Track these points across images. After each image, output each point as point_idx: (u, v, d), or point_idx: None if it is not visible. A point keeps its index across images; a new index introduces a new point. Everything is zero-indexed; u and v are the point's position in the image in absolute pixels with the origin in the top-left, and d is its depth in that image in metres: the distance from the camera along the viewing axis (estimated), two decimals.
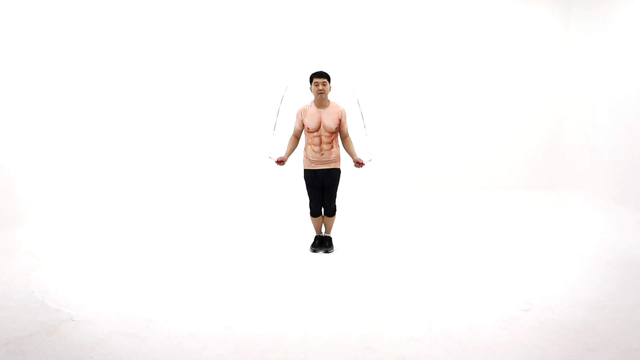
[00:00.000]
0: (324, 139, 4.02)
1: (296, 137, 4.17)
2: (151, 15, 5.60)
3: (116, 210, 5.22)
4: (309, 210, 4.26)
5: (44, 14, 4.28)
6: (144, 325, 2.77)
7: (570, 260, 4.02)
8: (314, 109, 4.01)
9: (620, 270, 3.75)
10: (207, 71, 5.77)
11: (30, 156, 4.15)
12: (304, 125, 4.04)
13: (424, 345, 2.57)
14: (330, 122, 3.98)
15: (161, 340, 2.61)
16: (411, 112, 5.89)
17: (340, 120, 4.03)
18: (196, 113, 5.85)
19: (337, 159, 4.14)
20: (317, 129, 3.99)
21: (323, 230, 4.39)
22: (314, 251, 4.22)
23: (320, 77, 3.95)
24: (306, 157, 4.12)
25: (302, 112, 4.03)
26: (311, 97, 4.10)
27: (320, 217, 4.27)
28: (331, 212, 4.23)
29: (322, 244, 4.27)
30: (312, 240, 4.42)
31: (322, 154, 4.04)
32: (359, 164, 4.11)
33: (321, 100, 3.99)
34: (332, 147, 4.06)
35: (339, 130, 4.08)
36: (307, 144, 4.10)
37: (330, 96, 4.12)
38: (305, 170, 4.16)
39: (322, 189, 4.17)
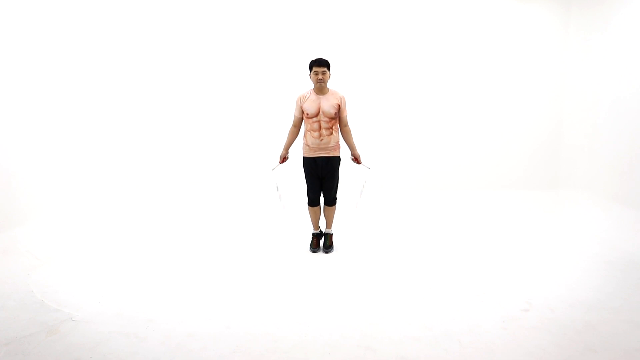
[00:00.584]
0: (323, 124, 4.02)
1: (296, 127, 4.16)
2: (151, 15, 5.60)
3: (116, 210, 5.22)
4: (307, 200, 4.25)
5: (44, 14, 4.28)
6: (143, 325, 2.77)
7: (570, 260, 4.02)
8: (313, 95, 4.03)
9: (620, 270, 3.75)
10: (206, 72, 5.77)
11: (30, 156, 4.15)
12: (303, 112, 4.04)
13: (424, 345, 2.57)
14: (329, 107, 3.99)
15: (161, 340, 2.61)
16: (411, 112, 5.89)
17: (339, 105, 4.04)
18: (195, 114, 5.85)
19: (337, 147, 4.14)
20: (317, 114, 4.00)
21: (322, 227, 4.38)
22: (314, 251, 4.22)
23: (319, 66, 3.96)
24: (306, 144, 4.12)
25: (301, 99, 4.05)
26: (311, 85, 4.11)
27: (318, 207, 4.26)
28: (331, 201, 4.22)
29: (323, 243, 4.27)
30: (310, 240, 4.40)
31: (322, 139, 4.04)
32: (356, 160, 4.14)
33: (321, 89, 4.01)
34: (331, 132, 4.06)
35: (339, 118, 4.09)
36: (306, 130, 4.10)
37: (330, 85, 4.13)
38: (304, 158, 4.16)
39: (321, 178, 4.17)
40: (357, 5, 5.69)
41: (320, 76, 3.95)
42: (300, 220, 5.06)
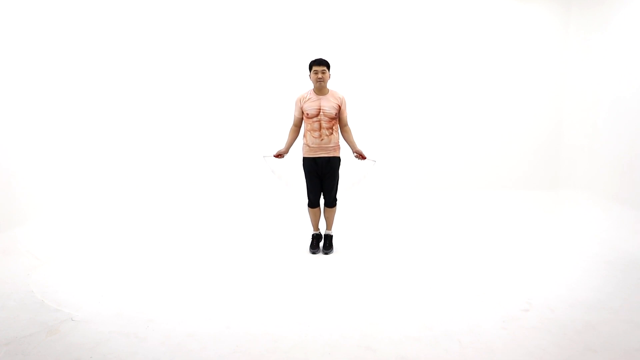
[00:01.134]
0: (324, 124, 4.02)
1: (296, 127, 4.17)
2: (151, 16, 5.60)
3: (116, 210, 5.22)
4: (307, 201, 4.25)
5: (44, 14, 4.28)
6: (143, 325, 2.77)
7: (570, 260, 4.02)
8: (313, 96, 4.02)
9: (620, 270, 3.75)
10: (205, 72, 5.77)
11: (30, 156, 4.15)
12: (303, 112, 4.04)
13: (424, 345, 2.56)
14: (329, 108, 3.99)
15: (161, 340, 2.61)
16: (411, 112, 5.89)
17: (339, 106, 4.04)
18: (195, 114, 5.85)
19: (337, 147, 4.14)
20: (317, 115, 4.00)
21: (321, 228, 4.38)
22: (314, 252, 4.21)
23: (319, 65, 3.96)
24: (306, 144, 4.12)
25: (301, 99, 4.05)
26: (310, 85, 4.11)
27: (318, 209, 4.26)
28: (332, 202, 4.22)
29: (323, 244, 4.26)
30: (309, 241, 4.40)
31: (322, 139, 4.04)
32: (360, 156, 4.12)
33: (320, 89, 4.00)
34: (332, 132, 4.06)
35: (339, 118, 4.09)
36: (306, 130, 4.10)
37: (330, 85, 4.13)
38: (304, 158, 4.15)
39: (321, 178, 4.16)
40: (357, 5, 5.69)
41: (320, 75, 3.95)
42: (300, 221, 5.06)
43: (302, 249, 4.32)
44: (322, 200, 4.29)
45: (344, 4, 5.69)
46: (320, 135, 4.03)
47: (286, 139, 4.21)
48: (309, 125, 4.05)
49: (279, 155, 4.17)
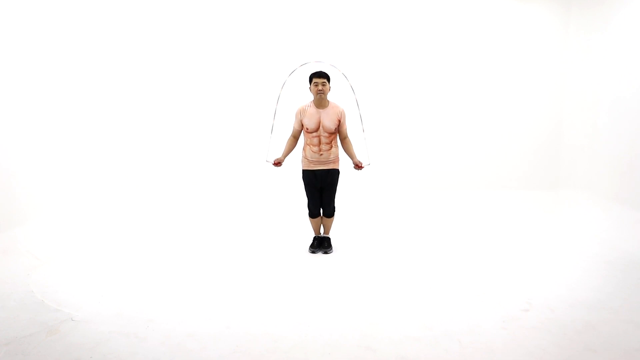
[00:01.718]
0: (323, 140, 4.01)
1: (294, 138, 4.16)
2: (151, 17, 5.60)
3: (116, 210, 5.22)
4: (307, 211, 4.26)
5: (44, 14, 4.28)
6: (143, 325, 2.77)
7: (570, 260, 4.02)
8: (313, 109, 4.00)
9: (620, 270, 3.75)
10: (204, 73, 5.77)
11: (30, 156, 4.15)
12: (302, 125, 4.03)
13: (424, 345, 2.56)
14: (329, 123, 3.97)
15: (161, 340, 2.61)
16: (411, 112, 5.89)
17: (339, 121, 4.03)
18: (195, 114, 5.85)
19: (336, 160, 4.13)
20: (316, 130, 3.99)
21: (322, 230, 4.39)
22: (313, 252, 4.22)
23: (319, 77, 3.94)
24: (305, 157, 4.11)
25: (301, 113, 4.02)
26: (310, 97, 4.10)
27: (319, 218, 4.26)
28: (330, 212, 4.23)
29: (321, 244, 4.27)
30: (311, 241, 4.41)
31: (321, 154, 4.03)
32: (358, 166, 4.12)
33: (320, 101, 3.99)
34: (331, 147, 4.05)
35: (338, 131, 4.08)
36: (305, 144, 4.09)
37: (330, 97, 4.12)
38: (303, 170, 4.15)
39: (320, 190, 4.16)
40: (357, 6, 5.69)
41: (320, 87, 3.93)
42: (299, 221, 5.06)
43: (301, 249, 4.33)
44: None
45: (344, 6, 5.68)
46: (320, 150, 4.02)
47: (284, 146, 4.18)
48: (308, 139, 4.04)
49: (277, 164, 4.13)
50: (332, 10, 5.69)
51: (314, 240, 4.30)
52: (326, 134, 4.00)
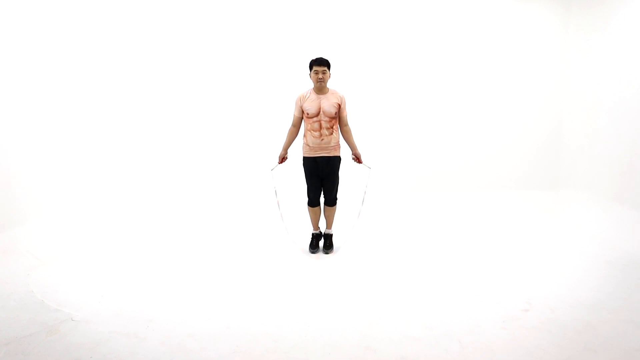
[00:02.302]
0: (324, 124, 4.01)
1: (295, 127, 4.15)
2: (151, 16, 5.60)
3: (116, 210, 5.22)
4: (307, 200, 4.24)
5: (44, 14, 4.28)
6: (144, 325, 2.77)
7: (570, 260, 4.02)
8: (313, 95, 4.02)
9: (620, 270, 3.75)
10: (205, 72, 5.77)
11: (30, 156, 4.15)
12: (303, 112, 4.04)
13: (424, 345, 2.57)
14: (329, 107, 3.98)
15: (161, 340, 2.61)
16: (411, 112, 5.89)
17: (339, 105, 4.03)
18: (195, 114, 5.85)
19: (337, 147, 4.13)
20: (317, 114, 3.99)
21: (322, 227, 4.38)
22: (313, 252, 4.21)
23: (320, 65, 3.95)
24: (306, 143, 4.11)
25: (301, 99, 4.04)
26: (310, 84, 4.11)
27: (318, 208, 4.25)
28: (332, 201, 4.21)
29: (321, 243, 4.26)
30: (309, 240, 4.40)
31: (322, 139, 4.03)
32: (357, 159, 4.13)
33: (320, 88, 4.00)
34: (332, 132, 4.06)
35: (339, 117, 4.08)
36: (306, 130, 4.09)
37: (330, 84, 4.13)
38: (304, 157, 4.14)
39: (321, 177, 4.16)
40: (357, 5, 5.69)
41: (320, 75, 3.95)
42: (299, 221, 5.06)
43: (302, 249, 4.32)
44: (321, 199, 4.29)
45: (344, 4, 5.68)
46: (321, 135, 4.02)
47: (284, 140, 4.19)
48: (309, 124, 4.04)
49: (283, 160, 4.17)
50: (332, 10, 5.69)
51: (312, 239, 4.29)
52: (327, 119, 4.00)
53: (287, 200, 5.27)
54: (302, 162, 4.18)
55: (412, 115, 5.89)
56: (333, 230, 4.44)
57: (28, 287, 3.31)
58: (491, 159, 5.97)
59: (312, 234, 4.32)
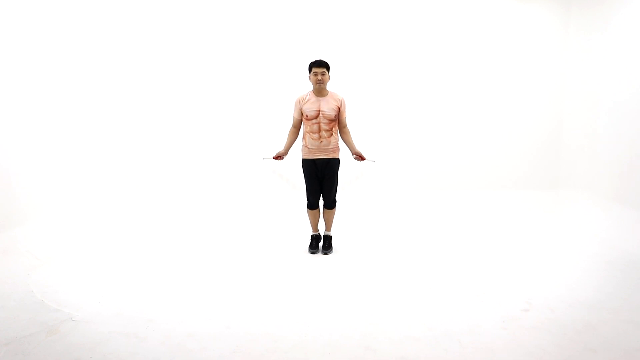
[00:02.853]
0: (323, 126, 4.01)
1: (295, 128, 4.16)
2: (150, 16, 5.60)
3: (116, 210, 5.22)
4: (306, 203, 4.24)
5: (44, 14, 4.28)
6: (144, 325, 2.77)
7: (570, 260, 4.02)
8: (312, 97, 4.02)
9: (620, 270, 3.75)
10: (205, 72, 5.77)
11: (30, 156, 4.15)
12: (302, 114, 4.04)
13: (424, 345, 2.57)
14: (329, 110, 3.98)
15: (161, 340, 2.61)
16: (411, 112, 5.89)
17: (339, 108, 4.03)
18: (195, 114, 5.85)
19: (336, 149, 4.13)
20: (316, 117, 3.99)
21: (321, 229, 4.38)
22: (313, 252, 4.21)
23: (319, 67, 3.95)
24: (305, 146, 4.11)
25: (301, 101, 4.04)
26: (310, 86, 4.10)
27: (317, 210, 4.25)
28: (331, 203, 4.21)
29: (321, 245, 4.26)
30: (309, 241, 4.40)
31: (321, 142, 4.03)
32: (359, 157, 4.12)
33: (320, 90, 4.00)
34: (331, 134, 4.06)
35: (338, 120, 4.08)
36: (305, 132, 4.09)
37: (330, 87, 4.13)
38: (303, 160, 4.15)
39: (321, 180, 4.16)
40: (357, 5, 5.69)
41: (319, 77, 3.94)
42: (299, 221, 5.06)
43: (302, 249, 4.33)
44: (321, 202, 4.29)
45: (343, 4, 5.68)
46: (320, 137, 4.02)
47: (285, 140, 4.20)
48: (308, 127, 4.04)
49: (279, 157, 4.17)
50: (332, 9, 5.69)
51: (312, 240, 4.29)
52: (326, 121, 4.00)
53: (287, 204, 5.28)
54: (301, 164, 4.18)
55: (412, 115, 5.89)
56: (332, 232, 4.44)
57: (28, 287, 3.31)
58: (491, 159, 5.97)
59: (312, 236, 4.33)
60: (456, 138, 5.93)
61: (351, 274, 3.68)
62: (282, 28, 5.71)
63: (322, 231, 4.45)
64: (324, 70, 3.95)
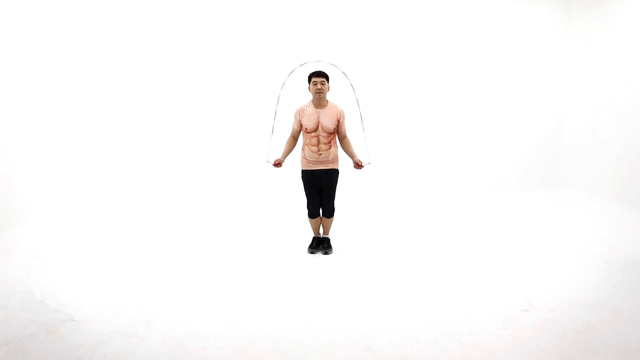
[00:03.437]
0: (322, 139, 4.00)
1: (294, 138, 4.15)
2: (151, 17, 5.60)
3: (116, 210, 5.22)
4: (307, 211, 4.25)
5: (44, 14, 4.28)
6: (144, 325, 2.77)
7: (570, 260, 4.02)
8: (312, 109, 3.99)
9: (620, 270, 3.75)
10: (204, 73, 5.77)
11: (30, 156, 4.15)
12: (301, 125, 4.03)
13: (424, 345, 2.56)
14: (328, 123, 3.97)
15: (161, 340, 2.61)
16: (411, 112, 5.89)
17: (338, 120, 4.02)
18: (195, 115, 5.85)
19: (335, 160, 4.12)
20: (315, 130, 3.98)
21: (321, 231, 4.38)
22: (312, 252, 4.21)
23: (318, 77, 3.93)
24: (304, 157, 4.10)
25: (300, 113, 4.02)
26: (309, 97, 4.09)
27: (319, 218, 4.25)
28: (330, 213, 4.22)
29: (321, 245, 4.27)
30: (309, 241, 4.40)
31: (320, 154, 4.03)
32: (358, 166, 4.10)
33: (319, 100, 3.98)
34: (330, 147, 4.04)
35: (337, 131, 4.07)
36: (304, 144, 4.08)
37: (330, 96, 4.11)
38: (303, 170, 4.14)
39: (320, 190, 4.16)
40: (357, 6, 5.69)
41: (319, 86, 3.92)
42: (299, 221, 5.06)
43: (301, 249, 4.33)
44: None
45: (343, 5, 5.68)
46: (319, 150, 4.01)
47: (284, 147, 4.17)
48: (307, 139, 4.03)
49: (278, 164, 4.11)
50: (332, 9, 5.69)
51: (313, 241, 4.29)
52: (325, 134, 3.99)
53: (288, 210, 5.28)
54: (300, 175, 4.17)
55: (412, 115, 5.89)
56: (330, 236, 4.45)
57: (28, 287, 3.31)
58: (491, 159, 5.97)
59: (314, 237, 4.33)
60: (456, 138, 5.93)
61: (351, 274, 3.68)
62: (283, 29, 5.71)
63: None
64: (324, 80, 3.93)
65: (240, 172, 5.94)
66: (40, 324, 2.76)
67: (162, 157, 5.88)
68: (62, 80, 4.52)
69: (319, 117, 3.95)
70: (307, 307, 3.06)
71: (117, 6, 5.32)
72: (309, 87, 4.00)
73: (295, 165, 4.37)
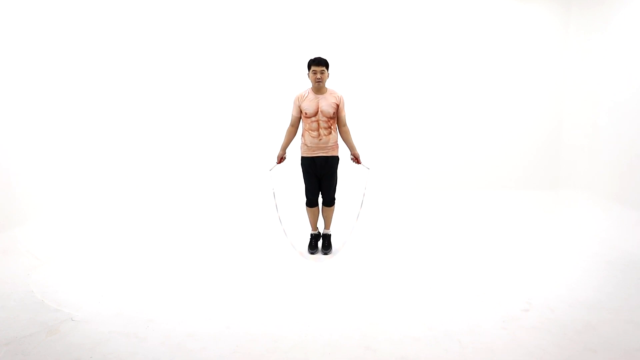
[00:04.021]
0: (322, 124, 4.01)
1: (293, 127, 4.14)
2: (150, 16, 5.60)
3: (116, 210, 5.22)
4: (305, 200, 4.23)
5: (44, 14, 4.28)
6: (143, 325, 2.77)
7: (570, 260, 4.02)
8: (311, 95, 4.01)
9: (620, 270, 3.75)
10: (205, 72, 5.77)
11: (30, 156, 4.15)
12: (301, 112, 4.04)
13: (424, 345, 2.57)
14: (327, 107, 3.98)
15: (161, 340, 2.61)
16: (411, 112, 5.89)
17: (337, 105, 4.03)
18: (195, 114, 5.85)
19: (335, 146, 4.12)
20: (315, 114, 3.99)
21: (320, 227, 4.37)
22: (312, 253, 4.21)
23: (318, 65, 3.94)
24: (304, 143, 4.10)
25: (300, 98, 4.03)
26: (309, 84, 4.10)
27: (317, 208, 4.24)
28: (330, 201, 4.21)
29: (320, 244, 4.26)
30: (308, 241, 4.39)
31: (320, 139, 4.02)
32: (356, 160, 4.12)
33: (319, 88, 4.00)
34: (330, 132, 4.04)
35: (337, 117, 4.08)
36: (304, 130, 4.08)
37: (329, 84, 4.13)
38: (302, 157, 4.13)
39: (319, 178, 4.15)
40: (357, 5, 5.69)
41: (318, 75, 3.94)
42: (298, 222, 5.06)
43: (301, 249, 4.32)
44: (320, 200, 4.29)
45: (343, 4, 5.68)
46: (319, 135, 4.02)
47: (282, 140, 4.18)
48: (307, 124, 4.04)
49: (281, 160, 4.15)
50: (331, 10, 5.69)
51: (311, 240, 4.29)
52: (325, 119, 3.99)
53: (285, 201, 5.27)
54: (299, 162, 4.17)
55: (412, 115, 5.89)
56: (331, 231, 4.43)
57: (28, 287, 3.31)
58: (491, 159, 5.97)
59: (311, 235, 4.32)
60: (456, 138, 5.93)
61: (351, 274, 3.68)
62: (283, 30, 5.71)
63: (320, 229, 4.45)
64: (323, 68, 3.95)
65: (240, 172, 5.94)
66: (40, 324, 2.76)
67: (162, 157, 5.88)
68: (62, 80, 4.53)
69: (318, 102, 3.97)
70: (307, 307, 3.06)
71: (118, 6, 5.32)
72: (308, 75, 4.01)
73: (295, 165, 4.37)
